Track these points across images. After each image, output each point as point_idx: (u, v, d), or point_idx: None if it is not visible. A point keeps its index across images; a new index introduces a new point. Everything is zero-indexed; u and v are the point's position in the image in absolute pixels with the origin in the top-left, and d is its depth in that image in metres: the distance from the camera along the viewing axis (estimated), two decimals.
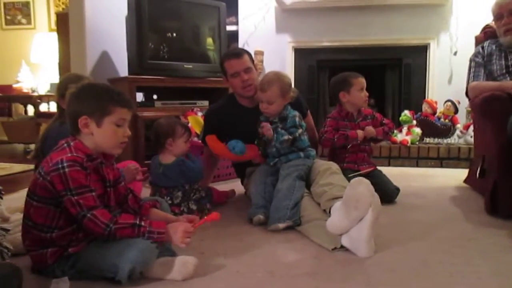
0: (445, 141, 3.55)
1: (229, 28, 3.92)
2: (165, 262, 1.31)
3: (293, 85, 3.91)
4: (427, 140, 3.59)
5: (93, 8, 3.24)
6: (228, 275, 1.39)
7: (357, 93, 2.32)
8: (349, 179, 1.93)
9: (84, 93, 1.34)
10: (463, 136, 3.52)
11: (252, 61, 2.24)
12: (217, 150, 2.12)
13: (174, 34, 3.31)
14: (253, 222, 1.87)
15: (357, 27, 3.87)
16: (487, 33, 2.55)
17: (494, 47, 2.33)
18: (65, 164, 1.24)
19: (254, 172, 2.12)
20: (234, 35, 4.09)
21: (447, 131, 3.55)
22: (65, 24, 3.42)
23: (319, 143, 2.39)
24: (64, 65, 3.61)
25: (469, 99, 2.40)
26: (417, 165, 3.45)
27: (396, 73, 4.01)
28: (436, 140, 3.57)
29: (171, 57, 3.22)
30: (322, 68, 4.08)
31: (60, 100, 1.93)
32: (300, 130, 2.02)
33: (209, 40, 3.51)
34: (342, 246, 1.56)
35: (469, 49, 2.65)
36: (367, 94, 2.36)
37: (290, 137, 1.99)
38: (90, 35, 3.22)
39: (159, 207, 1.55)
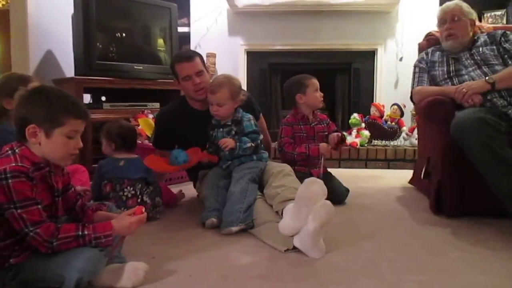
0: (392, 143, 3.69)
1: (181, 29, 3.88)
2: (115, 269, 1.27)
3: (245, 88, 3.97)
4: (375, 142, 3.72)
5: (37, 5, 3.09)
6: (180, 280, 1.37)
7: (313, 93, 2.36)
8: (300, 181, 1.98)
9: (34, 99, 1.24)
10: (409, 138, 3.67)
11: (204, 63, 2.22)
12: (159, 168, 2.09)
13: (124, 35, 3.22)
14: (206, 225, 1.85)
15: (308, 31, 3.95)
16: (429, 41, 2.67)
17: (437, 53, 2.43)
18: (8, 175, 1.14)
19: (207, 175, 2.10)
20: (186, 37, 4.05)
21: (394, 133, 3.70)
22: (6, 21, 3.24)
23: (279, 153, 2.40)
24: (5, 64, 3.42)
25: (414, 103, 2.50)
26: (366, 167, 3.56)
27: (345, 77, 4.12)
28: (383, 142, 3.70)
29: (121, 58, 3.13)
30: (274, 72, 4.12)
31: (2, 100, 1.84)
32: (261, 136, 2.03)
33: (160, 41, 3.45)
34: (294, 247, 1.58)
35: (413, 55, 2.77)
36: (321, 94, 2.40)
37: (253, 144, 2.00)
38: (33, 33, 3.06)
39: (106, 210, 1.49)
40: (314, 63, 4.05)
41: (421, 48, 2.71)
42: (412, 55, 2.80)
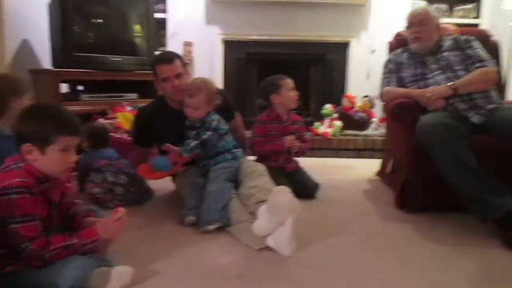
0: (362, 133, 3.85)
1: (158, 15, 3.89)
2: (102, 273, 1.36)
3: (222, 77, 4.04)
4: (347, 132, 3.87)
5: None
6: (165, 281, 1.48)
7: (287, 93, 2.47)
8: (274, 177, 2.11)
9: (28, 118, 1.31)
10: (379, 128, 3.84)
11: (184, 66, 2.29)
12: (153, 177, 2.19)
13: (101, 23, 3.23)
14: (185, 223, 1.97)
15: (285, 22, 4.02)
16: (398, 41, 2.78)
17: (405, 55, 2.55)
18: (14, 190, 1.22)
19: (184, 173, 2.21)
20: (163, 23, 4.05)
21: (364, 124, 3.86)
22: None
23: (251, 150, 2.51)
24: None
25: (383, 102, 2.64)
26: (338, 156, 3.73)
27: (319, 68, 4.24)
28: (354, 132, 3.86)
29: (99, 48, 3.15)
30: (251, 61, 4.19)
31: None
32: (209, 133, 2.11)
33: (137, 28, 3.46)
34: (267, 246, 1.72)
35: (385, 48, 2.88)
36: (296, 93, 2.50)
37: (197, 142, 2.10)
38: (9, 22, 3.03)
39: (94, 216, 1.58)
40: (289, 53, 4.14)
41: (391, 47, 2.82)
42: (383, 48, 2.92)
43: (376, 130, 3.85)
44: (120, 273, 1.38)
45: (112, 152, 2.41)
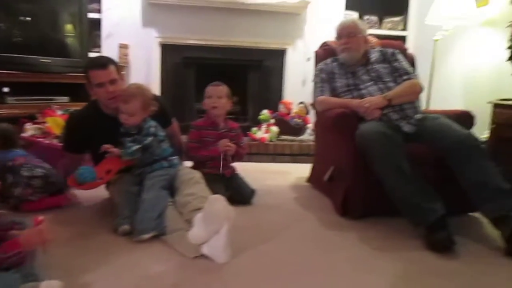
0: (298, 138, 3.97)
1: (92, 15, 3.77)
2: None
3: (159, 81, 4.00)
4: (283, 137, 3.97)
5: None
6: None
7: (205, 100, 2.49)
8: (211, 184, 2.13)
9: None
10: (314, 134, 3.96)
11: (119, 71, 2.24)
12: (84, 187, 2.12)
13: (29, 19, 3.07)
14: (119, 232, 1.93)
15: (223, 27, 4.05)
16: (325, 50, 2.88)
17: (335, 65, 2.66)
18: None
19: (119, 181, 2.16)
20: (97, 24, 3.93)
21: (300, 129, 3.98)
22: None
23: (186, 155, 2.50)
24: None
25: (316, 110, 2.74)
26: (274, 161, 3.81)
27: (257, 74, 4.31)
28: (290, 137, 3.97)
29: (26, 47, 2.99)
30: (188, 65, 4.17)
31: None
32: (150, 138, 2.10)
33: (69, 27, 3.34)
34: (203, 254, 1.73)
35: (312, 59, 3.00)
36: (213, 101, 2.46)
37: (139, 145, 2.08)
38: None
39: (18, 228, 1.51)
40: (227, 58, 4.17)
41: (318, 56, 2.91)
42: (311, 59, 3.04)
43: (311, 135, 3.98)
44: (48, 287, 1.33)
45: (23, 152, 2.37)
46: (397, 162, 2.04)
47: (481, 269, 1.75)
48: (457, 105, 3.38)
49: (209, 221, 1.67)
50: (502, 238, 1.90)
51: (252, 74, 4.32)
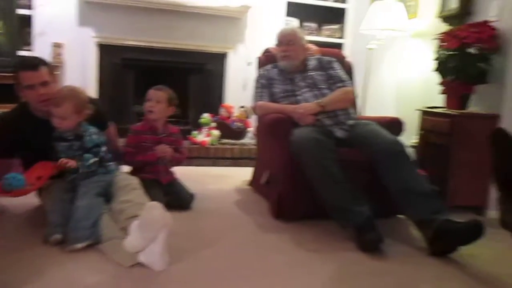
0: (239, 142, 3.99)
1: (22, 12, 3.58)
2: None
3: (97, 83, 3.86)
4: (224, 141, 3.97)
5: None
6: None
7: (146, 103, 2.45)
8: (149, 190, 2.09)
9: None
10: (254, 138, 4.01)
11: (52, 73, 2.14)
12: (12, 195, 1.97)
13: None
14: (50, 242, 1.84)
15: (164, 29, 3.98)
16: (267, 57, 2.95)
17: (275, 71, 2.72)
18: None
19: (51, 188, 2.07)
20: (28, 20, 3.72)
21: (241, 133, 4.01)
22: None
23: (122, 160, 2.44)
24: None
25: (256, 115, 2.78)
26: (215, 165, 3.81)
27: (198, 77, 4.28)
28: (231, 141, 3.98)
29: None
30: (127, 67, 4.06)
31: None
32: (103, 149, 2.06)
33: None
34: (139, 262, 1.69)
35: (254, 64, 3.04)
36: (150, 105, 2.42)
37: (96, 158, 2.03)
38: None
39: None
40: (168, 61, 4.11)
41: (261, 62, 2.98)
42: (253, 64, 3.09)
43: (252, 139, 4.02)
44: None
45: None
46: (328, 167, 2.12)
47: (409, 268, 1.86)
48: (390, 112, 3.55)
49: (145, 228, 1.64)
50: (426, 240, 2.02)
51: (193, 77, 4.28)
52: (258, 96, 2.70)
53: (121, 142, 2.53)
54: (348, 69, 2.97)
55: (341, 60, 2.98)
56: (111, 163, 2.16)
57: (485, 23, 2.69)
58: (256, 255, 1.91)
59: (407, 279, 1.77)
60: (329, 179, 2.12)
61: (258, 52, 3.13)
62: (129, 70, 4.08)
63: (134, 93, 4.06)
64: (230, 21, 4.13)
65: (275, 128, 2.44)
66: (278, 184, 2.42)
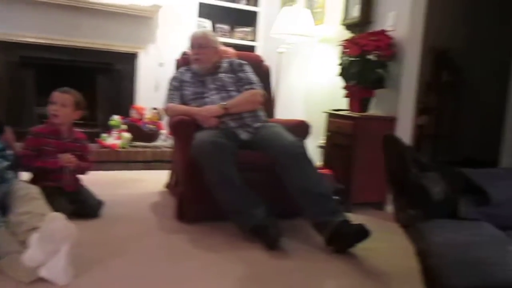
0: (151, 145, 3.90)
1: None
2: None
3: None
4: (136, 144, 3.86)
5: None
6: None
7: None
8: (52, 198, 1.97)
9: None
10: (167, 140, 3.95)
11: None
12: None
13: None
14: None
15: (67, 26, 3.77)
16: (185, 59, 2.93)
17: (188, 74, 2.71)
18: None
19: None
20: None
21: (153, 135, 3.92)
22: None
23: (19, 164, 2.26)
24: None
25: (167, 117, 2.75)
26: (127, 169, 3.68)
27: (107, 77, 4.11)
28: (143, 144, 3.88)
29: None
30: (27, 66, 3.78)
31: None
32: (5, 164, 1.90)
33: None
34: (40, 277, 1.59)
35: (173, 63, 3.00)
36: (53, 108, 2.30)
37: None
38: None
39: None
40: (74, 60, 3.90)
41: (179, 65, 2.96)
42: (171, 63, 3.03)
43: (165, 141, 3.95)
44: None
45: None
46: (225, 170, 2.17)
47: (314, 266, 1.96)
48: (299, 115, 3.70)
49: (46, 240, 1.54)
50: (324, 241, 2.13)
51: (102, 77, 4.11)
52: (169, 98, 2.68)
53: (19, 146, 2.35)
54: (265, 72, 3.04)
55: (259, 63, 3.05)
56: (8, 171, 2.00)
57: (382, 32, 2.91)
58: (167, 261, 1.89)
59: (313, 276, 1.86)
60: (226, 183, 2.17)
61: (171, 53, 3.10)
62: (29, 69, 3.80)
63: (37, 93, 3.79)
64: (140, 20, 4.02)
65: (177, 130, 2.46)
66: (180, 186, 2.43)
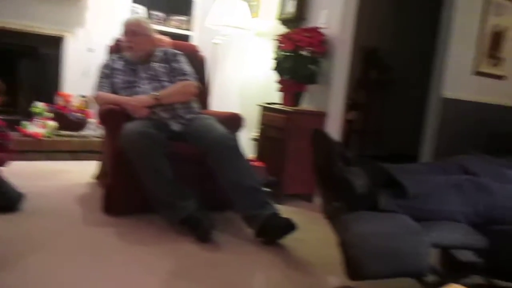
0: (79, 134, 3.72)
1: None
2: None
3: None
4: (62, 133, 3.66)
5: None
6: None
7: None
8: None
9: None
10: (97, 129, 3.78)
11: None
12: None
13: None
14: None
15: None
16: (118, 46, 2.81)
17: (120, 61, 2.61)
18: None
19: None
20: None
21: (81, 124, 3.74)
22: None
23: None
24: None
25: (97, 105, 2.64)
26: (52, 159, 3.49)
27: (30, 61, 3.84)
28: (70, 133, 3.69)
29: None
30: None
31: None
32: None
33: None
34: None
35: (103, 49, 2.86)
36: None
37: None
38: None
39: None
40: None
41: (111, 51, 2.82)
42: (102, 48, 2.90)
43: (94, 131, 3.79)
44: None
45: None
46: (155, 162, 2.15)
47: (244, 258, 1.98)
48: (234, 107, 3.70)
49: None
50: (254, 233, 2.17)
51: (24, 61, 3.82)
52: (99, 86, 2.57)
53: None
54: (200, 63, 3.00)
55: (194, 53, 3.01)
56: None
57: (315, 29, 2.99)
58: (91, 256, 1.82)
59: (242, 268, 1.89)
60: (155, 174, 2.14)
61: (101, 39, 2.96)
62: None
63: None
64: (68, 2, 3.79)
65: (106, 120, 2.39)
66: (108, 178, 2.37)
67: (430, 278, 1.42)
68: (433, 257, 1.46)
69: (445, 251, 1.66)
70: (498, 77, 3.71)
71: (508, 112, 3.84)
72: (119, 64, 2.60)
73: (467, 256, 1.38)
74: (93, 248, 1.91)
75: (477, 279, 1.57)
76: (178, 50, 2.73)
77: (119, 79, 2.55)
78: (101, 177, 2.83)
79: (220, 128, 2.33)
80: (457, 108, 3.39)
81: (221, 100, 3.99)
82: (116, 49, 2.80)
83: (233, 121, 2.60)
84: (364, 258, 1.20)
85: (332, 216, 1.47)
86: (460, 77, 3.40)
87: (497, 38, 3.61)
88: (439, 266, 1.69)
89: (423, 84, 3.78)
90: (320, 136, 1.44)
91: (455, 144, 3.26)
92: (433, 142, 3.35)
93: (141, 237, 2.08)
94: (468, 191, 1.38)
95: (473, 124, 3.45)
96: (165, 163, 2.15)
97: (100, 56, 2.89)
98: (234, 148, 2.23)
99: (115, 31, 2.91)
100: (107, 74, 2.58)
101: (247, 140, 3.20)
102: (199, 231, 2.08)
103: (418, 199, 1.40)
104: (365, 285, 1.37)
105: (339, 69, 2.98)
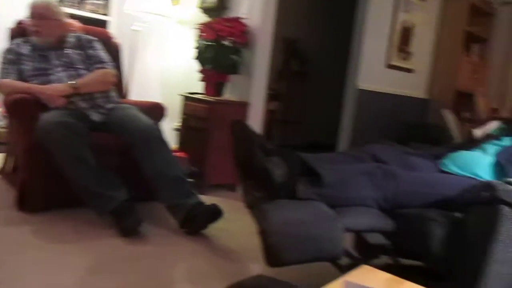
0: None
1: None
2: None
3: None
4: None
5: None
6: None
7: None
8: None
9: None
10: (3, 120, 3.49)
11: None
12: None
13: None
14: None
15: None
16: (21, 29, 2.61)
17: (27, 46, 2.43)
18: None
19: None
20: None
21: None
22: None
23: None
24: None
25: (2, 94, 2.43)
26: None
27: None
28: None
29: None
30: None
31: None
32: None
33: None
34: None
35: (5, 35, 2.64)
36: None
37: None
38: None
39: None
40: None
41: (12, 35, 2.62)
42: (2, 31, 2.67)
43: (1, 121, 3.49)
44: None
45: None
46: (78, 152, 2.06)
47: (166, 250, 1.97)
48: (155, 97, 3.60)
49: None
50: (178, 223, 2.16)
51: None
52: (4, 73, 2.37)
53: None
54: (115, 50, 2.87)
55: (107, 40, 2.86)
56: None
57: (237, 19, 2.99)
58: (5, 256, 1.70)
59: (163, 260, 1.86)
60: (79, 165, 2.05)
61: (5, 21, 2.71)
62: None
63: None
64: None
65: (16, 109, 2.22)
66: (21, 172, 2.22)
67: (344, 260, 1.51)
68: (347, 241, 1.55)
69: (358, 234, 1.78)
70: (408, 70, 3.99)
71: (416, 103, 4.16)
72: (25, 49, 2.42)
73: (377, 238, 1.48)
74: (4, 246, 1.78)
75: (386, 259, 1.69)
76: (90, 35, 2.60)
77: (28, 65, 2.37)
78: (8, 171, 2.63)
79: (144, 118, 2.27)
80: (371, 99, 3.60)
81: (142, 89, 3.87)
82: (19, 32, 2.59)
83: (155, 111, 2.53)
84: (282, 245, 1.23)
85: (253, 206, 1.50)
86: (374, 69, 3.61)
87: (406, 34, 3.88)
88: (353, 249, 1.80)
89: (341, 76, 3.95)
90: (239, 127, 1.45)
91: (369, 133, 3.46)
92: (349, 131, 3.53)
93: (60, 234, 1.97)
94: (377, 178, 1.47)
95: (385, 114, 3.69)
96: (87, 152, 2.06)
97: (0, 42, 2.65)
98: (158, 138, 2.20)
99: (19, 13, 2.68)
100: (12, 60, 2.38)
101: (169, 131, 3.13)
102: (127, 223, 2.02)
103: (333, 187, 1.46)
104: (284, 271, 1.41)
105: (261, 60, 3.02)
